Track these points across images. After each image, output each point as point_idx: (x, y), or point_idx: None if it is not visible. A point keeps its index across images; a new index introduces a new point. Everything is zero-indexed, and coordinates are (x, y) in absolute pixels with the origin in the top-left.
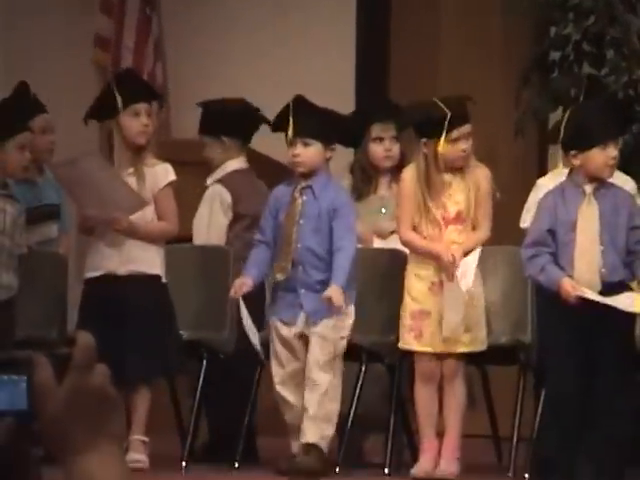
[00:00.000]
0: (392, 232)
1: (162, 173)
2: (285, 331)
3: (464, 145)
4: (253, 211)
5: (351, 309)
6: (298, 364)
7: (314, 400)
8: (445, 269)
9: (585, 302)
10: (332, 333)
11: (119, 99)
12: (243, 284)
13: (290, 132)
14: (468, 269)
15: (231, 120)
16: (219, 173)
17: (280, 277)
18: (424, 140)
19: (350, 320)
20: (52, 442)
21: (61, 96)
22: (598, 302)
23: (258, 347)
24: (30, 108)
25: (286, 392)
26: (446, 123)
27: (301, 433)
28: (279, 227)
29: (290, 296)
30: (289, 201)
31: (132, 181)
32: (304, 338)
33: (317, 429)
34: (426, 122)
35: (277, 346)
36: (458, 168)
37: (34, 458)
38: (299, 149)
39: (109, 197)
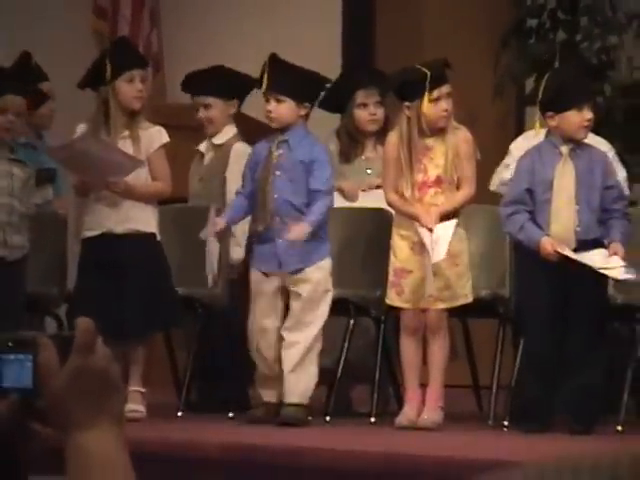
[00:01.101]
0: (378, 187)
1: (156, 136)
2: (265, 285)
3: (445, 105)
4: None
5: (327, 261)
6: (274, 320)
7: (294, 358)
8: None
9: (562, 258)
10: (312, 292)
11: (109, 67)
12: (216, 223)
13: (263, 88)
14: (441, 241)
15: (241, 84)
16: (227, 134)
17: (260, 227)
18: (406, 103)
19: (326, 272)
20: (55, 419)
21: (61, 64)
22: (574, 259)
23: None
24: (32, 76)
25: (261, 344)
26: (427, 83)
27: (285, 391)
28: (257, 180)
29: (267, 247)
30: (266, 154)
31: (127, 143)
32: (284, 291)
33: (298, 387)
34: (407, 84)
35: (255, 299)
36: (440, 130)
37: (36, 434)
38: (272, 105)
39: (105, 165)
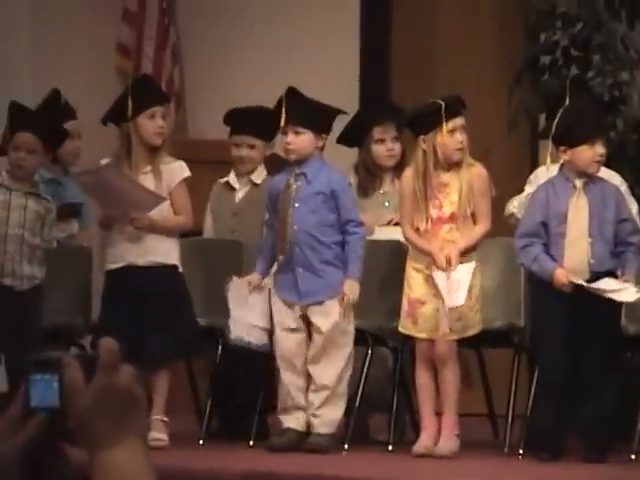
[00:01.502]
0: (394, 223)
1: (177, 170)
2: (287, 315)
3: (460, 137)
4: None
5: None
6: (297, 350)
7: (322, 398)
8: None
9: (576, 288)
10: (333, 328)
11: (130, 104)
12: (252, 281)
13: (282, 121)
14: (461, 285)
15: (272, 125)
16: (262, 172)
17: (281, 258)
18: (422, 137)
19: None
20: (81, 437)
21: (85, 101)
22: (588, 288)
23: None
24: (61, 114)
25: (285, 375)
26: (442, 114)
27: (313, 423)
28: (277, 212)
29: (288, 276)
30: (284, 187)
31: (149, 178)
32: (305, 319)
33: (327, 418)
34: (422, 116)
35: (277, 329)
36: (455, 165)
37: (64, 452)
38: (291, 137)
39: (128, 199)
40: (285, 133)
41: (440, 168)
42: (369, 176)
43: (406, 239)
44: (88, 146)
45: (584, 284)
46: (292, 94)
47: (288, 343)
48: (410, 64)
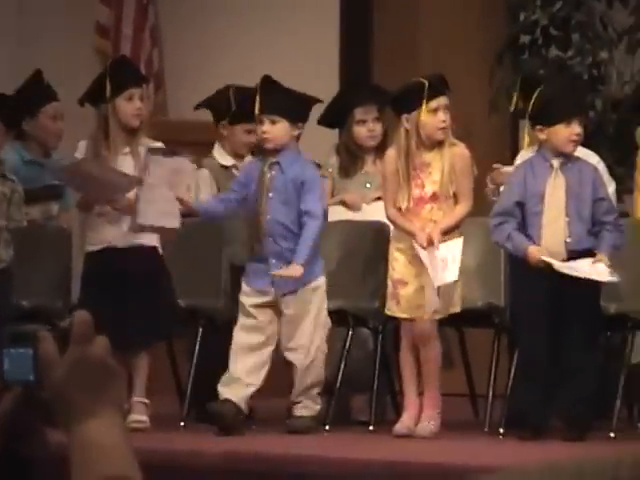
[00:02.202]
0: (377, 199)
1: None
2: (255, 302)
3: (443, 116)
4: None
5: (321, 280)
6: (260, 337)
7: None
8: (419, 250)
9: (551, 267)
10: (303, 313)
11: (108, 86)
12: (186, 194)
13: (257, 110)
14: (450, 261)
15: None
16: None
17: (255, 246)
18: (405, 116)
19: (321, 291)
20: (57, 410)
21: (65, 83)
22: (558, 269)
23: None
24: (43, 95)
25: (238, 363)
26: (425, 92)
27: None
28: (250, 201)
29: (261, 266)
30: (259, 175)
31: (128, 160)
32: (276, 308)
33: (304, 406)
34: (405, 95)
35: (243, 315)
36: (438, 144)
37: (41, 429)
38: (267, 126)
39: (106, 184)
40: (261, 122)
41: (422, 147)
42: (351, 157)
43: (389, 219)
44: (69, 127)
45: (555, 264)
46: (267, 82)
47: (252, 328)
48: (391, 46)
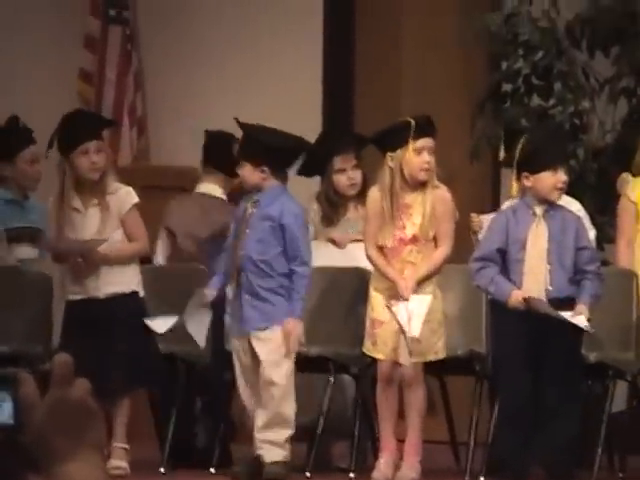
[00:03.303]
0: (358, 240)
1: (125, 198)
2: (239, 347)
3: (427, 157)
4: None
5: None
6: (247, 378)
7: (263, 418)
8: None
9: (531, 307)
10: (273, 353)
11: (62, 143)
12: (206, 295)
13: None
14: (415, 316)
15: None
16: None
17: (230, 284)
18: (389, 154)
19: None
20: (37, 453)
21: (46, 127)
22: (539, 306)
23: (200, 343)
24: (20, 140)
25: (246, 401)
26: (411, 131)
27: (259, 449)
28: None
29: (236, 304)
30: (242, 212)
31: (97, 211)
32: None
33: (273, 446)
34: (391, 134)
35: (235, 361)
36: (421, 186)
37: (21, 470)
38: (239, 169)
39: (71, 252)
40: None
41: (405, 188)
42: (332, 206)
43: (369, 259)
44: (48, 171)
45: (538, 306)
46: (242, 128)
47: (243, 374)
48: (374, 94)
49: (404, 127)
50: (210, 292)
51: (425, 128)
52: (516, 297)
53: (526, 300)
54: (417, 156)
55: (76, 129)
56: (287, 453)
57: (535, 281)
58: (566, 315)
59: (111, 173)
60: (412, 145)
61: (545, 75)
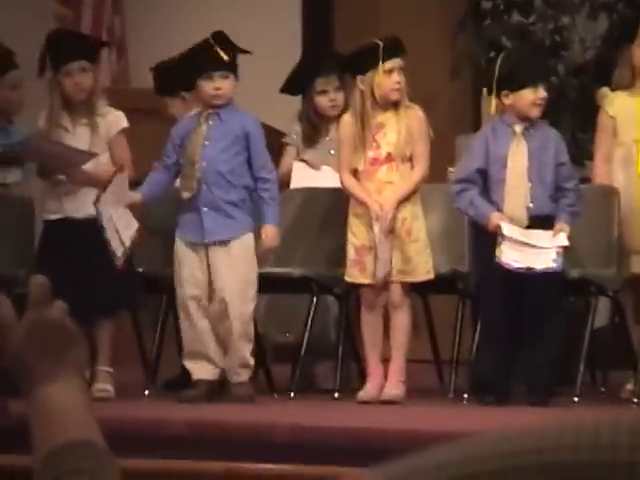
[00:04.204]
0: None
1: (114, 121)
2: (189, 255)
3: (398, 77)
4: None
5: (250, 237)
6: (200, 290)
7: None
8: (374, 221)
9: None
10: (234, 264)
11: (48, 63)
12: (131, 197)
13: (217, 65)
14: (382, 259)
15: (185, 75)
16: None
17: (186, 195)
18: (360, 77)
19: (248, 246)
20: (16, 375)
21: (24, 51)
22: (509, 239)
23: (117, 253)
24: (3, 64)
25: (194, 315)
26: (380, 53)
27: (228, 371)
28: (183, 151)
29: (193, 215)
30: (194, 127)
31: (85, 131)
32: (208, 257)
33: (240, 365)
34: (360, 57)
35: (180, 269)
36: (393, 105)
37: (3, 402)
38: (220, 82)
39: (61, 160)
40: (211, 78)
41: (377, 108)
42: (313, 126)
43: (343, 186)
44: (29, 94)
45: (507, 231)
46: (221, 37)
47: (192, 281)
48: (353, 13)
49: (372, 49)
50: (136, 195)
51: (393, 49)
52: (494, 222)
53: (501, 230)
54: (387, 77)
55: (59, 49)
56: (250, 371)
57: (516, 199)
58: (543, 238)
59: (101, 95)
60: (382, 67)
61: None
